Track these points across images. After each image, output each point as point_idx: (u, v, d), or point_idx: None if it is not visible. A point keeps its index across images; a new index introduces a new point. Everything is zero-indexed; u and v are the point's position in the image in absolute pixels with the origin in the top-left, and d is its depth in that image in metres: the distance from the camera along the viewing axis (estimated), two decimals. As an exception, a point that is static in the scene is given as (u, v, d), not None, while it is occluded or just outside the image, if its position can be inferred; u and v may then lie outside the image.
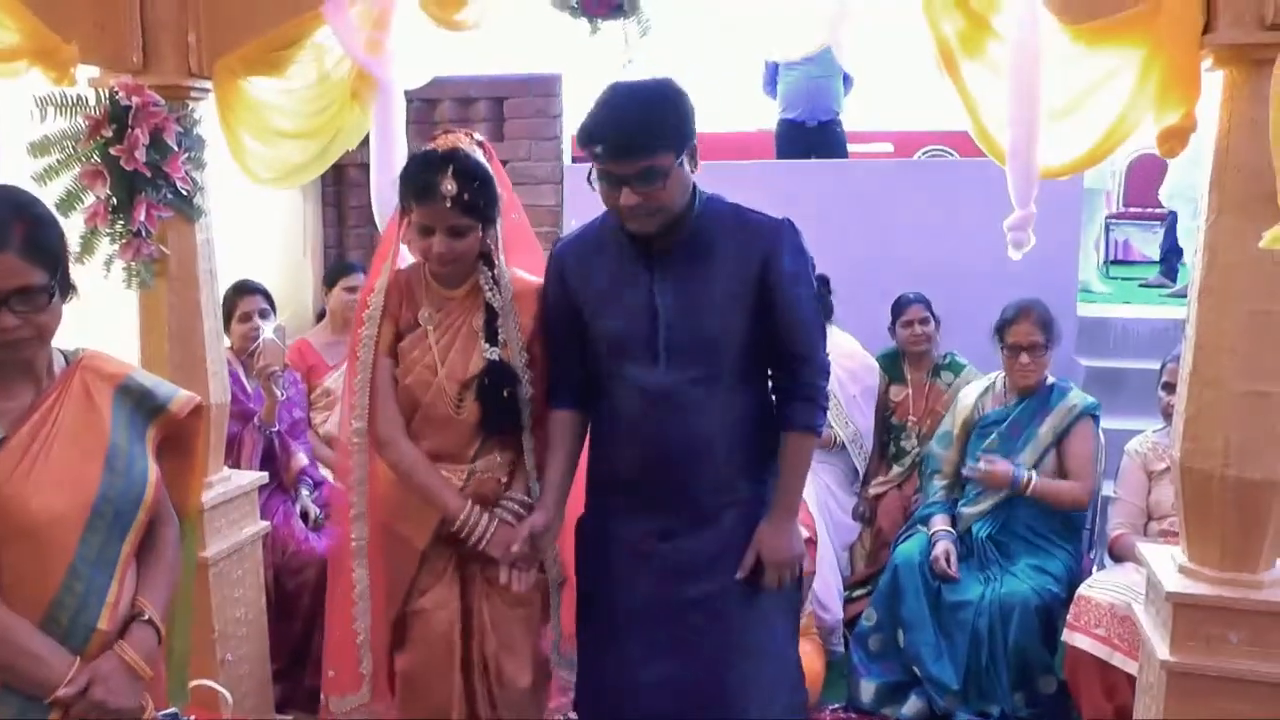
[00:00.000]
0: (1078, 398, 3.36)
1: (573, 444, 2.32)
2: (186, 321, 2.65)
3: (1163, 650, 2.12)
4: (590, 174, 2.09)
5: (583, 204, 4.96)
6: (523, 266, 2.39)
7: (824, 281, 3.77)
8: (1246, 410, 2.01)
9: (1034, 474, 3.23)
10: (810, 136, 5.88)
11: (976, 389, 3.54)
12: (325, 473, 3.67)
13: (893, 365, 3.99)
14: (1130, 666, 2.65)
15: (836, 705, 3.33)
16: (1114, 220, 6.59)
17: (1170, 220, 6.09)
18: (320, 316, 4.39)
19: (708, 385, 2.14)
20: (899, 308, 3.93)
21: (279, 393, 3.33)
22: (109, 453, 1.67)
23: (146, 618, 1.71)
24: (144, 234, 2.48)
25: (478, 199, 2.19)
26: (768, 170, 5.15)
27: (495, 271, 2.31)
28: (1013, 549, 3.29)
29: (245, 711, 2.82)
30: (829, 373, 2.25)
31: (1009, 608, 3.11)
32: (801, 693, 2.45)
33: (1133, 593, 2.67)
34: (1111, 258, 6.97)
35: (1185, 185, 5.55)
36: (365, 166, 4.36)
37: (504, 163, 4.92)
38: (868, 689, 3.31)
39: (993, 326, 3.42)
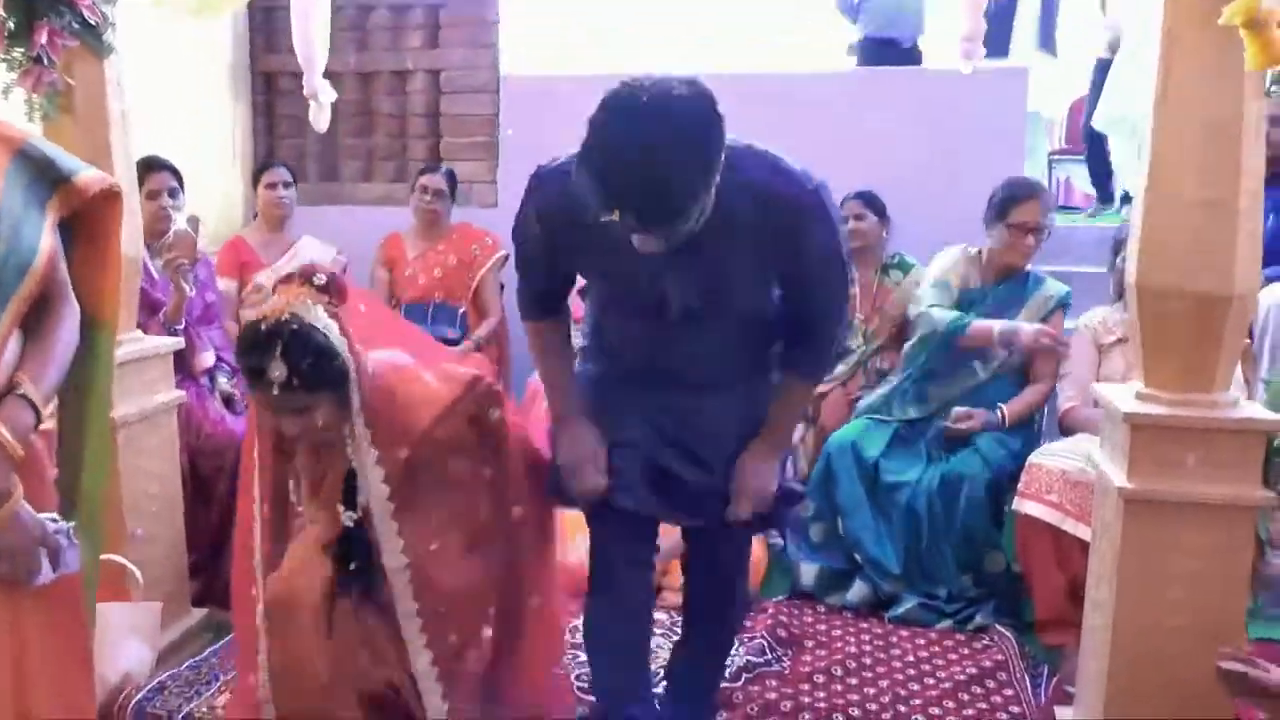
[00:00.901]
0: (1054, 287, 3.31)
1: (563, 347, 2.20)
2: (96, 162, 2.46)
3: (1120, 478, 2.07)
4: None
5: (519, 113, 4.85)
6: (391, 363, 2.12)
7: None
8: (1202, 220, 1.96)
9: (1002, 408, 3.21)
10: (902, 60, 5.50)
11: (953, 254, 3.41)
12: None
13: (840, 265, 3.90)
14: (1083, 532, 2.58)
15: (780, 597, 3.24)
16: (1056, 157, 6.55)
17: (1094, 146, 5.88)
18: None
19: (720, 334, 2.04)
20: (839, 205, 3.84)
21: (188, 289, 3.09)
22: None
23: (22, 392, 1.55)
24: (45, 61, 2.32)
25: (314, 376, 1.91)
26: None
27: (355, 428, 2.02)
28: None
29: (159, 598, 2.66)
30: (848, 333, 2.13)
31: (956, 487, 3.06)
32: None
33: (1086, 459, 2.61)
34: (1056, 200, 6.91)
35: (1121, 109, 5.49)
36: (296, 75, 4.25)
37: (438, 72, 4.86)
38: (809, 571, 3.23)
39: (989, 202, 3.28)
